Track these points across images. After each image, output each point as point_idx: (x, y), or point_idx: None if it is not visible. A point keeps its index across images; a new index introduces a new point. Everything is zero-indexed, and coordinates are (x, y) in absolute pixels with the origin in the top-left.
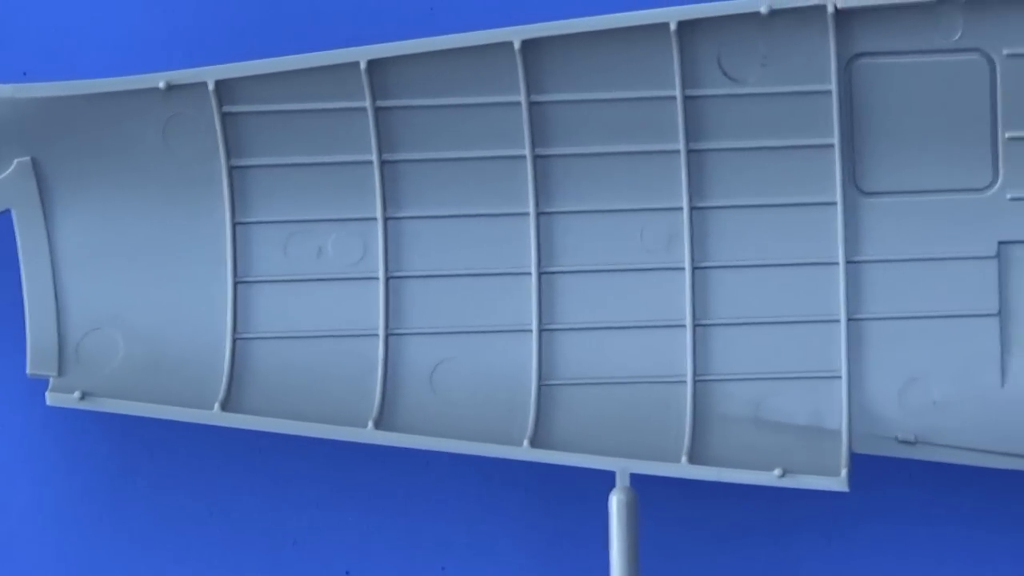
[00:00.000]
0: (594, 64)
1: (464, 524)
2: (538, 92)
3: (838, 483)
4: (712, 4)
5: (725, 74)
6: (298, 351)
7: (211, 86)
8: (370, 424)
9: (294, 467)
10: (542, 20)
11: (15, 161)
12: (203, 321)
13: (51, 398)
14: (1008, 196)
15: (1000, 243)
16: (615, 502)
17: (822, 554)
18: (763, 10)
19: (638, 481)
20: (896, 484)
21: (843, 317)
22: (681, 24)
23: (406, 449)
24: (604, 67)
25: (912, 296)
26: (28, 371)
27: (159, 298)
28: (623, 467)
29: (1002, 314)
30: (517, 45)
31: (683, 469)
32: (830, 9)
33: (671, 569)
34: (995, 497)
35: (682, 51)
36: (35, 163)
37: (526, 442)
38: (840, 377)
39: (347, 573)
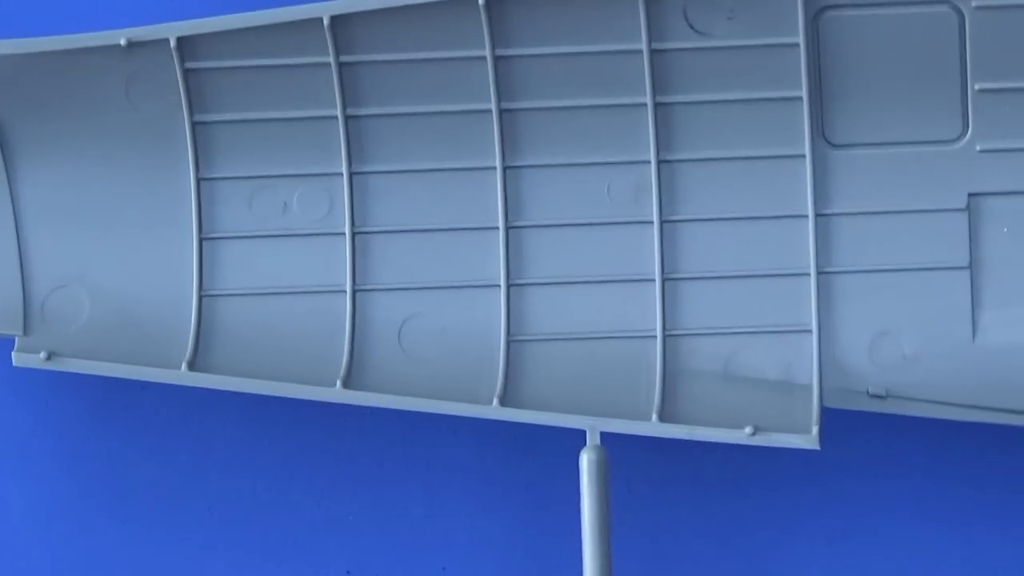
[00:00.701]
0: (560, 18)
1: (440, 487)
2: (503, 46)
3: (809, 441)
4: None
5: (692, 27)
6: (265, 308)
7: (173, 42)
8: (338, 383)
9: (294, 467)
10: None
11: None
12: (169, 278)
13: (17, 358)
14: (978, 148)
15: (970, 195)
16: (586, 460)
17: (792, 508)
18: None
19: (609, 435)
20: (867, 437)
21: (813, 271)
22: None
23: (385, 426)
24: (570, 21)
25: (882, 249)
26: None
27: (124, 255)
28: (593, 425)
29: (972, 267)
30: (482, 0)
31: (654, 427)
32: None
33: (642, 524)
34: (965, 450)
35: (648, 4)
36: None
37: (496, 400)
38: (811, 331)
39: (347, 573)
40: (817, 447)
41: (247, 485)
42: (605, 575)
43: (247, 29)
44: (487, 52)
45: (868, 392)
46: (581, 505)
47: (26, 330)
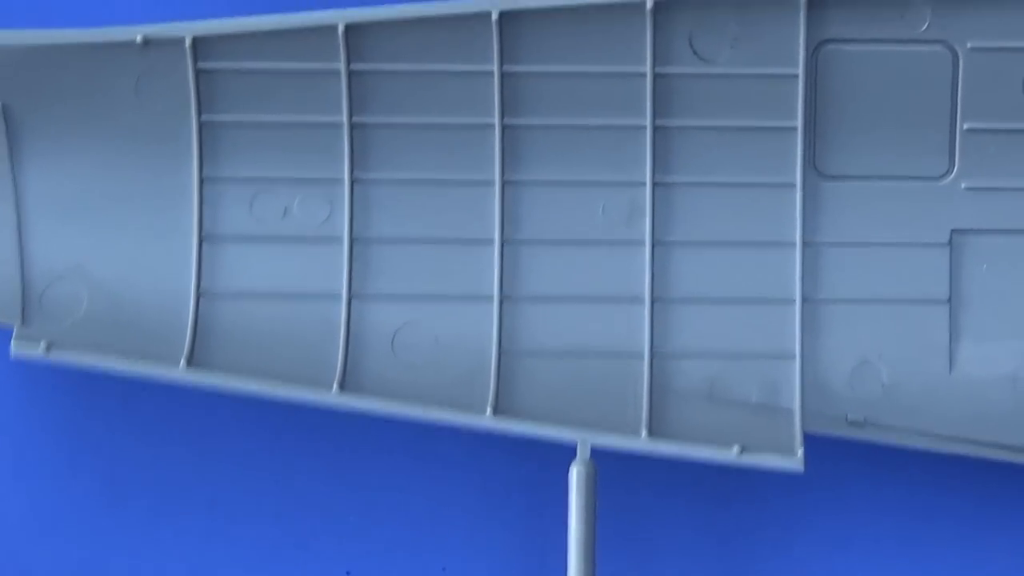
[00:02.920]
0: (568, 38)
1: (439, 487)
2: (512, 63)
3: (794, 462)
4: None
5: (696, 53)
6: (262, 309)
7: (188, 42)
8: (335, 387)
9: (293, 467)
10: None
11: None
12: (167, 276)
13: (15, 347)
14: (963, 185)
15: (953, 231)
16: (575, 474)
17: (777, 521)
18: None
19: (596, 447)
20: (848, 461)
21: (798, 297)
22: (657, 3)
23: (383, 427)
24: (578, 41)
25: (866, 279)
26: None
27: (124, 250)
28: (584, 439)
29: (952, 301)
30: (495, 16)
31: (643, 443)
32: None
33: (627, 534)
34: (939, 479)
35: (655, 29)
36: (5, 109)
37: (489, 410)
38: (794, 357)
39: (347, 573)
40: (801, 470)
41: (247, 485)
42: None
43: (262, 32)
44: (495, 67)
45: (847, 419)
46: (569, 517)
47: (24, 320)
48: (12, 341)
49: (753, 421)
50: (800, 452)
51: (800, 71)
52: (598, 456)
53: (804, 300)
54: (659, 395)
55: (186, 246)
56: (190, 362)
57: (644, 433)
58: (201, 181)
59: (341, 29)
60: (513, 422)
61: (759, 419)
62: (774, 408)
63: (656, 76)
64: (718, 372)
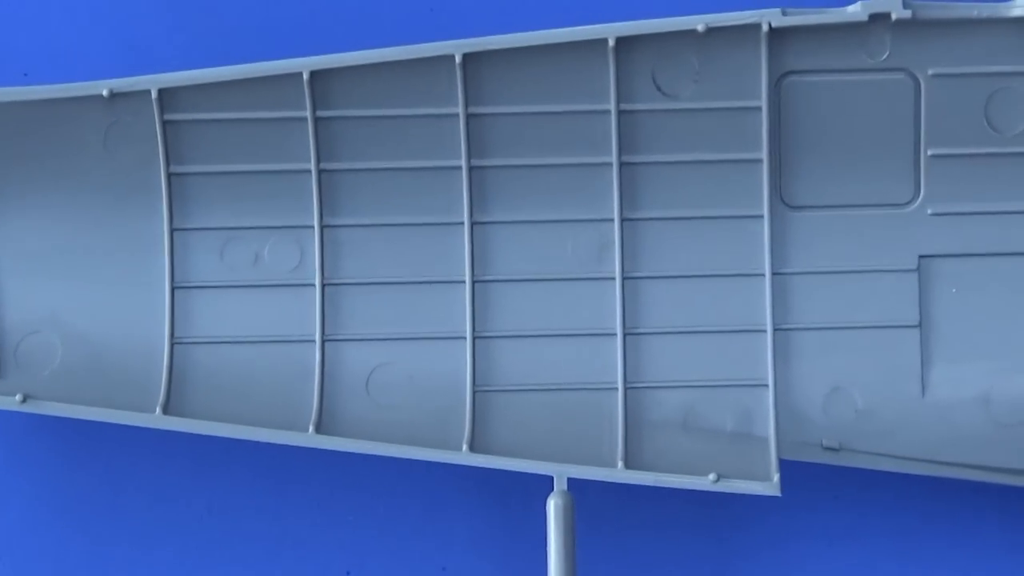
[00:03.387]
0: (532, 77)
1: (463, 525)
2: (477, 104)
3: (770, 488)
4: (650, 21)
5: (659, 89)
6: (236, 356)
7: (154, 94)
8: (311, 428)
9: (294, 467)
10: (536, 19)
11: None
12: (141, 325)
13: None
14: (929, 211)
15: (921, 257)
16: (553, 506)
17: (752, 547)
18: (700, 28)
19: (575, 480)
20: (824, 487)
21: (769, 327)
22: (618, 40)
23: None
24: (541, 81)
25: (836, 307)
26: None
27: (97, 302)
28: (561, 472)
29: (922, 326)
30: (458, 59)
31: (620, 474)
32: (764, 28)
33: (608, 563)
34: (917, 501)
35: (618, 66)
36: None
37: (465, 447)
38: (767, 385)
39: (347, 573)
40: (778, 494)
41: (246, 486)
42: None
43: (228, 83)
44: (460, 110)
45: (822, 445)
46: (548, 549)
47: (0, 372)
48: None
49: (728, 450)
50: (776, 477)
51: (763, 103)
52: (576, 486)
53: (775, 329)
54: (634, 426)
55: (159, 295)
56: (166, 409)
57: (620, 464)
58: (171, 231)
59: (306, 77)
60: (489, 458)
61: (734, 447)
62: (749, 436)
63: (620, 113)
64: (692, 402)
